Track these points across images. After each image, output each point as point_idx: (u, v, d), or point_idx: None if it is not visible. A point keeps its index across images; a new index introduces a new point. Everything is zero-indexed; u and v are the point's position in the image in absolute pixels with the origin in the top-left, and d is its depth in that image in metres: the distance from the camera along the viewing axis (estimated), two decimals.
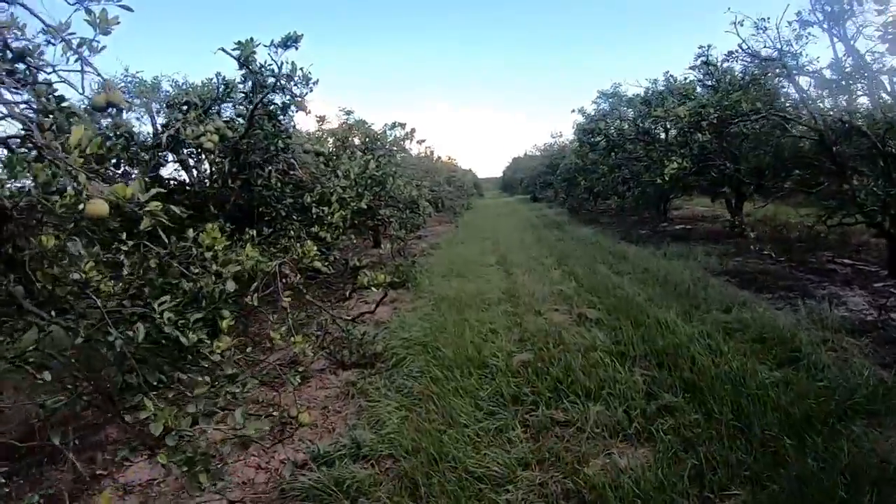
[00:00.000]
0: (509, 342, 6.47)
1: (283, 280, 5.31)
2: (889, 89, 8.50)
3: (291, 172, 7.40)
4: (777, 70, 9.59)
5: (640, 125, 14.91)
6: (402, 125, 12.05)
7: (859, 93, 9.04)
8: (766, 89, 10.51)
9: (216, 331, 3.47)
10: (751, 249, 9.24)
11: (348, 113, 12.04)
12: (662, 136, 14.33)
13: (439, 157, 30.32)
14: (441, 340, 6.58)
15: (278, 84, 5.90)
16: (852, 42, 8.83)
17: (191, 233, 3.75)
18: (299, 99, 6.23)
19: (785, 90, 10.69)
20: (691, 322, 6.56)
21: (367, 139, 11.41)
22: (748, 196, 13.86)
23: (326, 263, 6.37)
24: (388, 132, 12.02)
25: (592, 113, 19.26)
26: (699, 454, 3.74)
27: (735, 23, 9.55)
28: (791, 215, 12.78)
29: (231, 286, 3.57)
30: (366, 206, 7.60)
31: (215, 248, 3.91)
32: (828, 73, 9.55)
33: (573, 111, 19.91)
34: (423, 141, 13.16)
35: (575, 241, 14.90)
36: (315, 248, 5.50)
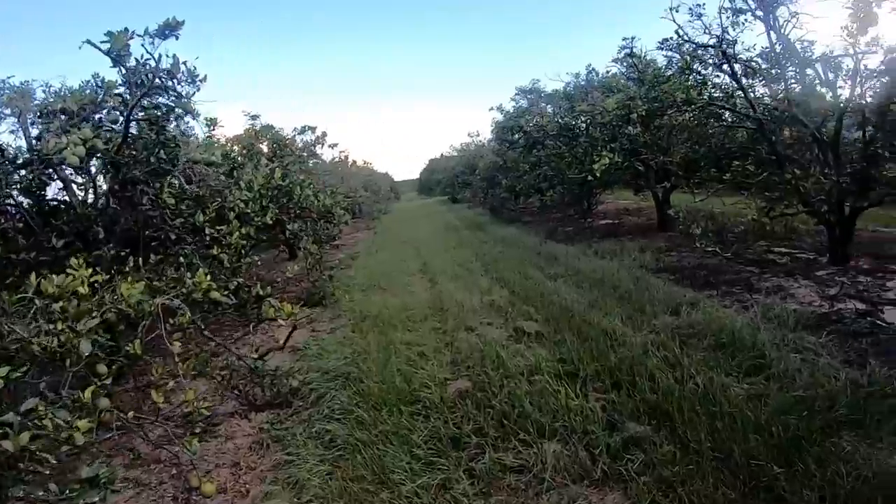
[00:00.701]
0: (442, 367, 5.78)
1: (171, 321, 4.46)
2: (822, 78, 8.31)
3: (188, 187, 6.51)
4: (713, 58, 9.31)
5: (562, 121, 14.56)
6: (313, 129, 11.22)
7: (792, 82, 8.83)
8: (698, 78, 10.27)
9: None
10: (683, 243, 8.95)
11: (254, 117, 11.10)
12: (586, 131, 14.01)
13: (354, 162, 29.45)
14: (365, 369, 5.86)
15: (157, 82, 4.99)
16: (783, 31, 8.61)
17: (33, 278, 2.89)
18: (185, 100, 5.33)
19: (719, 79, 10.49)
20: (640, 330, 6.06)
21: (276, 145, 10.51)
22: (676, 189, 13.72)
23: (226, 292, 5.52)
24: (298, 137, 11.15)
25: (511, 110, 18.86)
26: (681, 497, 3.19)
27: (671, 8, 9.20)
28: (721, 206, 12.71)
29: (86, 347, 2.74)
30: (271, 221, 6.75)
31: (78, 291, 3.08)
32: (761, 62, 9.33)
33: (491, 109, 19.46)
34: (336, 145, 12.19)
35: (500, 243, 14.37)
36: (208, 276, 4.67)
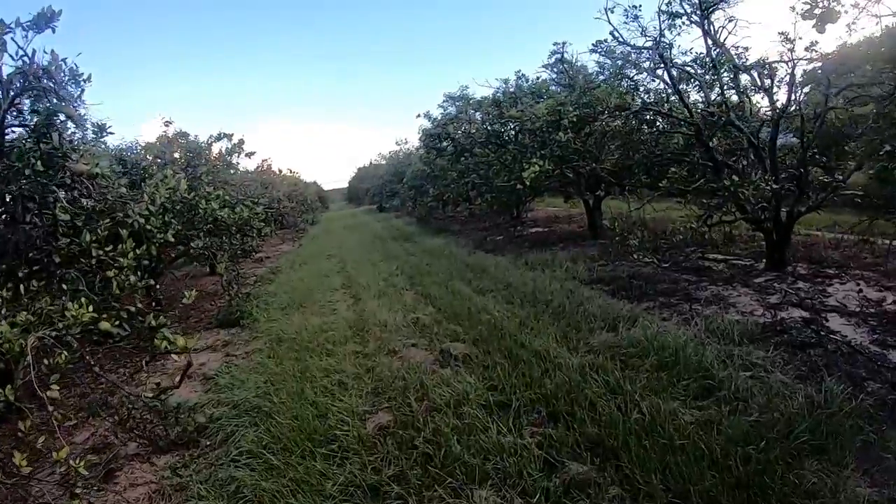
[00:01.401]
0: (361, 397, 5.36)
1: (47, 362, 3.88)
2: (759, 84, 8.34)
3: (85, 201, 5.87)
4: (650, 61, 9.22)
5: (490, 128, 14.34)
6: (229, 136, 10.59)
7: (727, 87, 8.84)
8: (630, 84, 10.19)
9: None
10: (616, 252, 8.80)
11: (167, 123, 10.39)
12: (514, 138, 13.81)
13: (280, 171, 28.56)
14: (277, 402, 5.38)
15: (31, 82, 4.39)
16: (718, 36, 8.59)
17: None
18: (65, 103, 4.72)
19: (653, 85, 10.43)
20: (577, 350, 5.77)
21: (189, 154, 9.84)
22: (608, 196, 13.70)
23: (118, 322, 4.95)
24: (215, 145, 10.52)
25: (439, 117, 18.56)
26: None
27: (606, 9, 9.06)
28: (652, 213, 12.71)
29: None
30: (173, 238, 6.17)
31: None
32: (696, 68, 9.31)
33: (419, 116, 19.09)
34: (254, 153, 11.52)
35: (427, 255, 13.98)
36: (90, 307, 4.12)
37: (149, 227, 6.01)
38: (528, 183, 8.65)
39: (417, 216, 23.22)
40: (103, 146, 9.02)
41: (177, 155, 9.55)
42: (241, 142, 10.80)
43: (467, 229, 19.66)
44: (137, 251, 5.27)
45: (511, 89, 14.98)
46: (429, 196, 20.43)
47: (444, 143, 17.95)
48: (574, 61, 13.48)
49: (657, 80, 10.52)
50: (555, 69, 14.43)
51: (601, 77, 12.64)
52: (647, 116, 10.09)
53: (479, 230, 18.69)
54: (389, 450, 4.23)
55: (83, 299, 4.18)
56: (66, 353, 3.82)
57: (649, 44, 8.92)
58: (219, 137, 10.44)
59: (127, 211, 5.93)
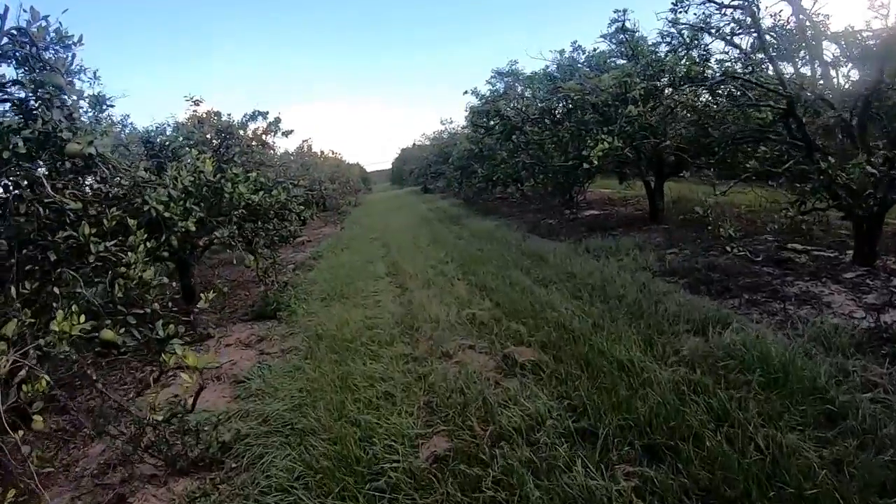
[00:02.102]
0: (412, 415, 4.50)
1: (24, 386, 3.11)
2: (847, 54, 7.17)
3: (98, 186, 5.15)
4: (731, 25, 8.10)
5: (544, 103, 13.28)
6: (264, 114, 9.79)
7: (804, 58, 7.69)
8: (702, 53, 9.07)
9: None
10: (684, 238, 7.77)
11: (196, 103, 9.64)
12: (569, 114, 12.71)
13: (322, 153, 27.91)
14: (314, 417, 4.58)
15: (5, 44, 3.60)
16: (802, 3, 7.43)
17: None
18: (54, 70, 3.91)
19: (730, 52, 9.29)
20: (665, 360, 4.80)
21: (222, 133, 9.09)
22: (670, 177, 12.57)
23: (123, 330, 4.19)
24: (249, 124, 9.75)
25: (487, 94, 17.53)
26: None
27: None
28: (715, 196, 11.50)
29: None
30: (194, 228, 5.40)
31: None
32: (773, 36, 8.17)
33: (466, 93, 18.04)
34: (291, 132, 10.60)
35: (477, 239, 13.04)
36: (81, 317, 3.34)
37: (168, 214, 5.23)
38: (595, 162, 7.64)
39: (464, 197, 22.25)
40: (112, 122, 8.37)
41: (208, 136, 8.79)
42: (278, 120, 9.99)
43: (517, 211, 18.66)
44: (149, 244, 4.48)
45: (566, 62, 13.85)
46: (477, 177, 19.43)
47: (493, 121, 16.96)
48: (635, 31, 12.28)
49: (733, 49, 9.36)
50: (613, 40, 13.24)
51: (664, 48, 11.47)
52: (727, 88, 8.93)
53: (531, 212, 17.68)
54: (449, 490, 3.37)
55: (75, 307, 3.39)
56: (46, 378, 3.03)
57: (737, 1, 7.74)
58: (253, 116, 9.67)
59: (144, 197, 5.18)
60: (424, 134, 55.38)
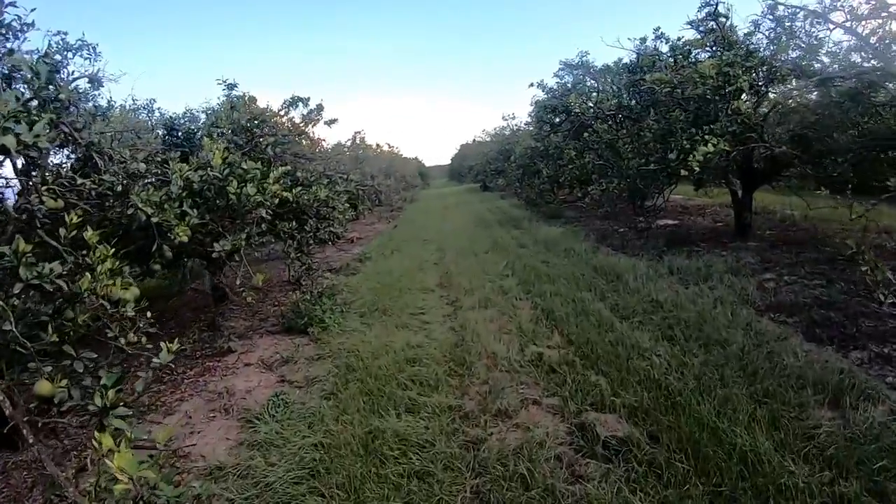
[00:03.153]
0: None
1: None
2: None
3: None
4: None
5: (621, 98, 11.77)
6: (305, 100, 8.62)
7: None
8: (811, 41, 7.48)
9: None
10: (779, 260, 6.24)
11: (230, 87, 8.55)
12: (648, 110, 11.17)
13: (378, 146, 26.87)
14: (323, 496, 3.37)
15: None
16: None
17: None
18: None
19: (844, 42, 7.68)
20: (797, 450, 3.40)
21: (255, 121, 7.95)
22: (762, 186, 10.94)
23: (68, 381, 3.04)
24: (288, 111, 8.61)
25: (555, 86, 16.06)
26: None
27: None
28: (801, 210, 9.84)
29: None
30: (186, 238, 4.21)
31: None
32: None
33: (532, 85, 16.57)
34: (335, 121, 9.34)
35: (542, 248, 11.62)
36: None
37: (159, 220, 4.09)
38: (696, 168, 6.19)
39: (526, 198, 20.75)
40: (111, 104, 7.36)
41: (242, 122, 7.67)
42: (321, 108, 8.79)
43: (583, 216, 17.12)
44: (114, 262, 3.29)
45: (648, 52, 12.26)
46: (541, 177, 17.95)
47: (559, 118, 15.55)
48: (728, 16, 10.63)
49: (852, 37, 7.74)
50: (702, 27, 11.60)
51: (759, 37, 9.84)
52: (846, 83, 7.31)
53: (597, 218, 16.13)
54: None
55: None
56: None
57: None
58: (293, 103, 8.49)
59: (131, 196, 4.04)
60: (485, 130, 53.84)
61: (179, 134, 7.66)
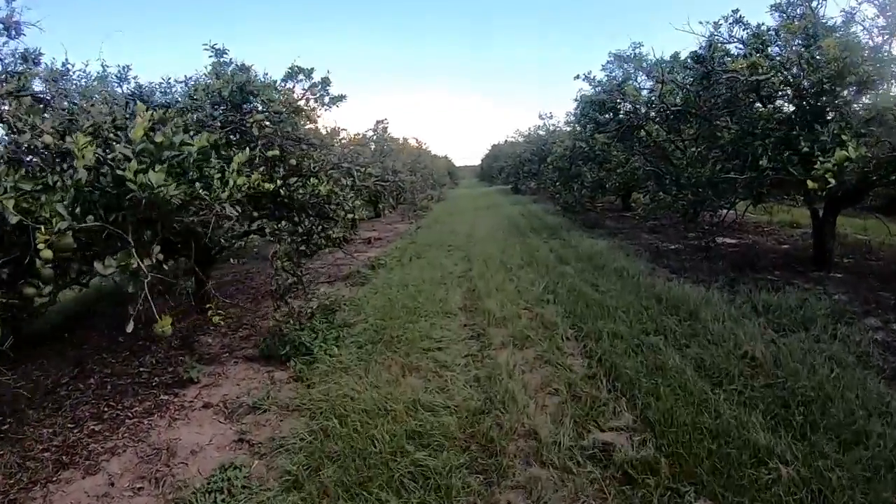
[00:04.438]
0: None
1: None
2: None
3: None
4: None
5: (691, 93, 9.92)
6: (307, 72, 6.92)
7: None
8: None
9: None
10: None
11: (219, 53, 6.88)
12: (720, 107, 9.31)
13: (405, 139, 25.18)
14: None
15: None
16: None
17: None
18: None
19: None
20: None
21: (243, 93, 6.27)
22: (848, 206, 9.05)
23: None
24: (283, 84, 6.94)
25: (604, 79, 14.18)
26: None
27: None
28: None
29: None
30: (51, 253, 2.54)
31: None
32: None
33: (577, 77, 14.61)
34: (343, 97, 7.50)
35: (587, 265, 9.74)
36: None
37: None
38: (830, 179, 4.40)
39: (563, 204, 18.76)
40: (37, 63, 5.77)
41: (225, 93, 6.01)
42: (326, 82, 7.07)
43: (627, 227, 15.21)
44: None
45: (721, 38, 10.36)
46: (580, 180, 16.02)
47: (607, 115, 13.75)
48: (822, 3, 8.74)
49: None
50: (777, 12, 9.70)
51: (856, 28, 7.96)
52: None
53: (643, 230, 14.23)
54: None
55: None
56: None
57: None
58: (291, 74, 6.81)
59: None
60: (518, 130, 51.39)
61: (151, 107, 6.04)
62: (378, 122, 17.24)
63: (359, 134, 15.33)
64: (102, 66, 7.09)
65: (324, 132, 8.83)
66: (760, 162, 7.02)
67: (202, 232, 4.93)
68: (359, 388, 4.89)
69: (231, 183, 4.09)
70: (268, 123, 6.08)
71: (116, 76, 7.17)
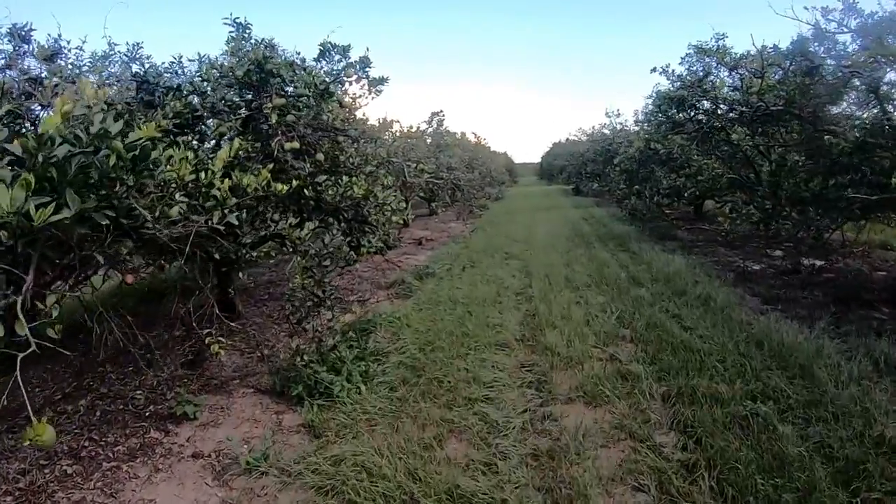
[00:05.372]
0: None
1: None
2: None
3: None
4: None
5: (797, 90, 8.45)
6: (344, 49, 5.78)
7: None
8: None
9: None
10: None
11: (241, 28, 5.81)
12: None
13: (463, 134, 23.99)
14: None
15: None
16: None
17: None
18: None
19: None
20: None
21: (262, 73, 5.16)
22: None
23: None
24: (316, 63, 5.82)
25: (685, 73, 12.68)
26: None
27: None
28: None
29: None
30: None
31: None
32: None
33: (654, 70, 13.11)
34: (385, 81, 6.38)
35: (664, 288, 8.29)
36: None
37: None
38: None
39: (630, 210, 17.23)
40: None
41: (239, 72, 4.94)
42: (366, 62, 5.87)
43: (701, 239, 13.61)
44: None
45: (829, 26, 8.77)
46: (661, 186, 14.45)
47: (686, 113, 12.32)
48: None
49: None
50: None
51: None
52: None
53: (719, 243, 12.64)
54: None
55: None
56: None
57: None
58: (324, 52, 5.69)
59: None
60: (581, 128, 49.36)
61: (157, 93, 5.06)
62: (433, 114, 16.10)
63: (412, 126, 14.27)
64: (109, 43, 6.19)
65: (374, 123, 7.76)
66: (893, 179, 5.62)
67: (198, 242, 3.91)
68: (382, 454, 3.75)
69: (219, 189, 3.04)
70: (291, 111, 5.00)
71: (126, 55, 6.21)
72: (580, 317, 6.82)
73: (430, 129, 15.78)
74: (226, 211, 3.56)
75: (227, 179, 3.59)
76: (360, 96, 8.04)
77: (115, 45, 6.17)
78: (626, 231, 15.18)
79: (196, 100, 4.88)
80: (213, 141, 5.27)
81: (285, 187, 4.21)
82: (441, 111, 15.85)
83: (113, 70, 6.01)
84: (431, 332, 6.32)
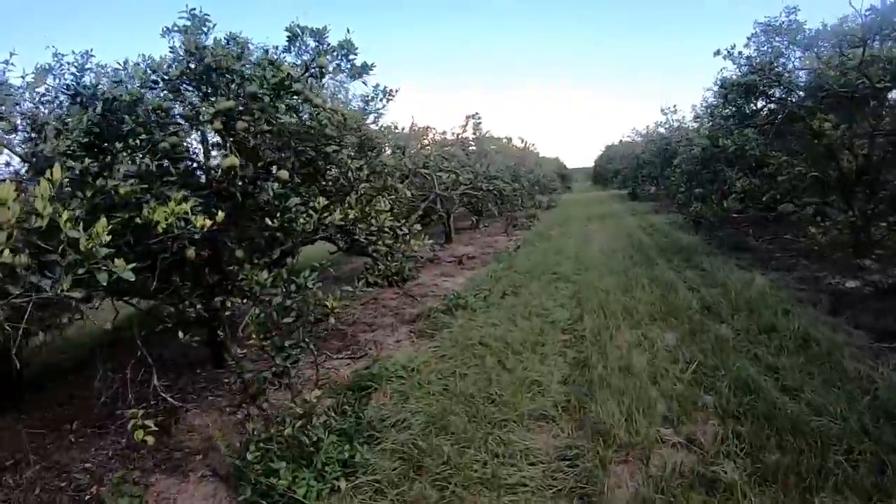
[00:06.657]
0: None
1: None
2: None
3: None
4: None
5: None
6: (317, 34, 4.44)
7: None
8: None
9: None
10: None
11: (199, 21, 4.55)
12: None
13: (509, 139, 22.48)
14: None
15: None
16: None
17: None
18: None
19: None
20: None
21: (213, 67, 3.88)
22: None
23: None
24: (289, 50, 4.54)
25: (754, 55, 10.97)
26: None
27: None
28: None
29: None
30: None
31: None
32: None
33: (717, 54, 11.28)
34: (371, 67, 5.07)
35: (747, 321, 6.61)
36: None
37: None
38: None
39: (694, 217, 15.27)
40: None
41: (192, 64, 3.69)
42: (350, 46, 4.52)
43: (776, 249, 11.76)
44: None
45: None
46: (734, 188, 12.50)
47: (758, 103, 10.89)
48: None
49: None
50: None
51: None
52: None
53: (796, 253, 10.76)
54: None
55: None
56: None
57: None
58: (292, 37, 4.37)
59: None
60: (635, 129, 46.28)
61: (96, 106, 3.94)
62: (468, 117, 14.49)
63: (444, 133, 12.87)
64: (55, 55, 5.25)
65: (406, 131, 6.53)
66: None
67: None
68: None
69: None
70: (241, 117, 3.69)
71: (75, 66, 5.16)
72: (643, 369, 5.27)
73: (470, 136, 14.32)
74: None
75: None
76: (370, 99, 6.91)
77: (62, 55, 5.27)
78: (691, 242, 13.39)
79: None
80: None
81: (202, 220, 2.89)
82: (476, 114, 14.27)
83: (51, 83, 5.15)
84: (448, 394, 4.91)
